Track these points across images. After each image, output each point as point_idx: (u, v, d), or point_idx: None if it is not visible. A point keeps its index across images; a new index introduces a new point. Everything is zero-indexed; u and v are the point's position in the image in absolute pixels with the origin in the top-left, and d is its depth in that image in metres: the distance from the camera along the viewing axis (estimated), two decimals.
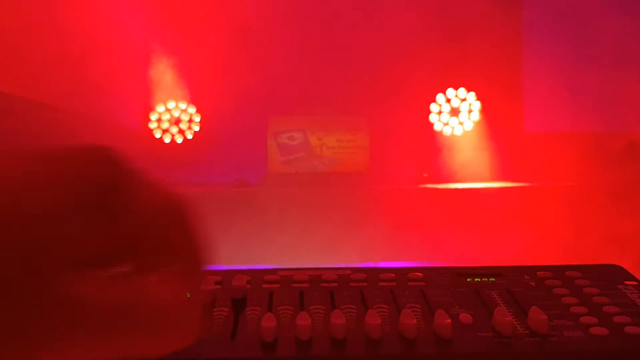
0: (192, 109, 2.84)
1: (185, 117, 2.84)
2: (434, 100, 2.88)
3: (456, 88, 2.88)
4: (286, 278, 0.72)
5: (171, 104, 2.82)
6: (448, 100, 2.88)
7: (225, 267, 0.73)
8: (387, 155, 2.92)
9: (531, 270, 0.74)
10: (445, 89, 2.88)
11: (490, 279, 0.72)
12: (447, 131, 2.88)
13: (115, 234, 0.22)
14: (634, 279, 0.72)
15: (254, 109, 2.91)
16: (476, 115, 2.85)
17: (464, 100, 2.87)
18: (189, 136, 2.83)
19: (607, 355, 0.57)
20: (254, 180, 2.83)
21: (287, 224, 2.39)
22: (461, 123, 2.88)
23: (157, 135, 2.80)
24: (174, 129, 2.82)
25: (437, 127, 2.89)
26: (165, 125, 2.81)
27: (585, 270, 0.73)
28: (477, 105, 2.86)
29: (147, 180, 0.24)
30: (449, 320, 0.59)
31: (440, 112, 2.89)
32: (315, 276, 0.72)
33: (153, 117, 2.80)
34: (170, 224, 0.24)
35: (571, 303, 0.65)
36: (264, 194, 2.51)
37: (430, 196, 2.53)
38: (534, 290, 0.69)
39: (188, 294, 0.26)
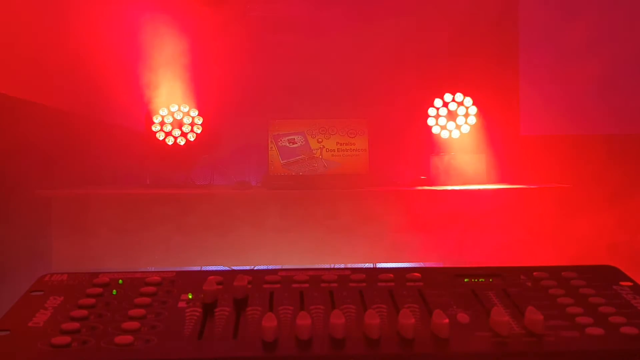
0: (194, 112, 2.85)
1: (187, 120, 2.84)
2: (431, 104, 2.89)
3: (453, 92, 2.89)
4: (287, 278, 0.73)
5: (174, 107, 2.83)
6: (445, 104, 2.89)
7: (226, 267, 0.73)
8: (386, 158, 2.93)
9: (527, 270, 0.75)
10: (443, 94, 2.89)
11: (488, 280, 0.73)
12: (444, 134, 2.89)
13: None
14: (630, 279, 0.73)
15: (254, 112, 2.92)
16: (473, 119, 2.87)
17: (460, 104, 2.89)
18: (191, 139, 2.83)
19: (602, 355, 0.58)
20: (255, 183, 2.83)
21: (287, 225, 2.39)
22: (458, 126, 2.89)
23: (160, 137, 2.80)
24: (177, 132, 2.82)
25: (435, 130, 2.90)
26: (167, 127, 2.81)
27: (581, 271, 0.74)
28: (473, 109, 2.87)
29: None
30: (447, 320, 0.60)
31: (437, 116, 2.90)
32: (315, 276, 0.73)
33: (156, 119, 2.80)
34: None
35: (567, 303, 0.66)
36: (264, 196, 2.51)
37: (428, 198, 2.54)
38: (531, 291, 0.70)
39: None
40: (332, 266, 0.77)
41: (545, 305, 0.66)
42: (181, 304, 0.66)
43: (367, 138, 2.86)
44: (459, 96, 2.88)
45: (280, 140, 2.86)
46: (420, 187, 2.68)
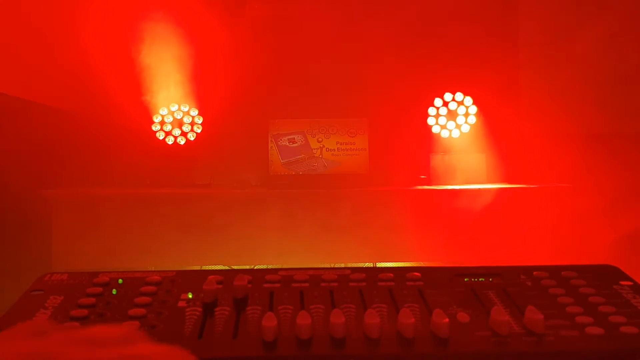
0: (194, 112, 2.85)
1: (187, 120, 2.84)
2: (431, 104, 2.89)
3: (453, 92, 2.89)
4: (287, 278, 0.73)
5: (174, 107, 2.82)
6: (445, 104, 2.89)
7: (227, 267, 0.73)
8: (386, 158, 2.94)
9: (527, 270, 0.75)
10: (443, 93, 2.89)
11: (488, 279, 0.73)
12: (444, 134, 2.89)
13: None
14: (629, 279, 0.72)
15: (255, 111, 2.92)
16: (473, 119, 2.87)
17: (460, 103, 2.89)
18: (192, 138, 2.83)
19: (602, 354, 0.58)
20: (255, 182, 2.83)
21: (287, 225, 2.40)
22: (458, 126, 2.89)
23: (160, 137, 2.80)
24: (177, 131, 2.82)
25: (435, 129, 2.90)
26: (168, 127, 2.81)
27: (581, 270, 0.74)
28: (473, 109, 2.87)
29: None
30: (447, 320, 0.60)
31: (437, 115, 2.90)
32: (316, 276, 0.73)
33: (156, 119, 2.80)
34: None
35: (567, 303, 0.66)
36: (264, 196, 2.51)
37: (428, 197, 2.54)
38: (530, 290, 0.70)
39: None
40: (332, 265, 0.77)
41: (545, 305, 0.66)
42: (181, 304, 0.66)
43: (367, 137, 2.86)
44: (459, 95, 2.88)
45: (280, 139, 2.86)
46: (420, 187, 2.68)
